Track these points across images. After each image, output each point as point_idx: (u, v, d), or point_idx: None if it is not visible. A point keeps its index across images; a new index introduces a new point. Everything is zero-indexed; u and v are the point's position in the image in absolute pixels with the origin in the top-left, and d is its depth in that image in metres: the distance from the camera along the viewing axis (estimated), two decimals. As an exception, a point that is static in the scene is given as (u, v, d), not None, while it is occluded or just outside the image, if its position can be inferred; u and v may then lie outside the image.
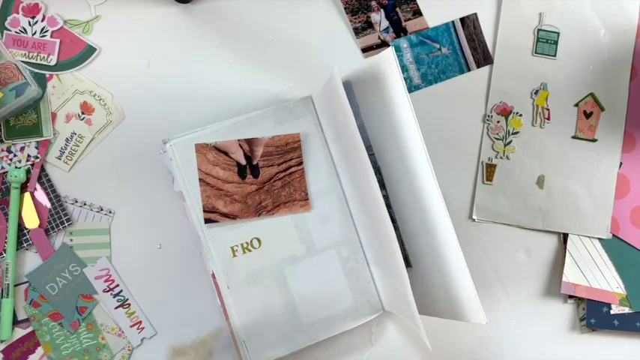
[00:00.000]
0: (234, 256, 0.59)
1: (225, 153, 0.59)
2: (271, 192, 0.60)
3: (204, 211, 0.58)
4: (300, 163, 0.61)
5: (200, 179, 0.59)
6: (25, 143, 0.64)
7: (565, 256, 0.67)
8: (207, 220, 0.59)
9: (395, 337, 0.66)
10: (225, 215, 0.59)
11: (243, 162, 0.60)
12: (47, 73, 0.64)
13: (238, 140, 0.59)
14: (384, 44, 0.68)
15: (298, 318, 0.60)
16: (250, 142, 0.60)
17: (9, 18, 0.64)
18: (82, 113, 0.64)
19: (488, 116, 0.68)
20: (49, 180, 0.64)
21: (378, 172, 0.60)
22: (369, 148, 0.60)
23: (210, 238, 0.59)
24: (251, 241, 0.60)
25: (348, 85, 0.60)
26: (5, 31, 0.64)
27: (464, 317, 0.55)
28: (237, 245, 0.59)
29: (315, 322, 0.60)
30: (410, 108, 0.53)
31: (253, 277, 0.59)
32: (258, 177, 0.60)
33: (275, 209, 0.60)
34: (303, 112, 0.61)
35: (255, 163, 0.60)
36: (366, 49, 0.67)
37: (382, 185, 0.60)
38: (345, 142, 0.58)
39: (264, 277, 0.60)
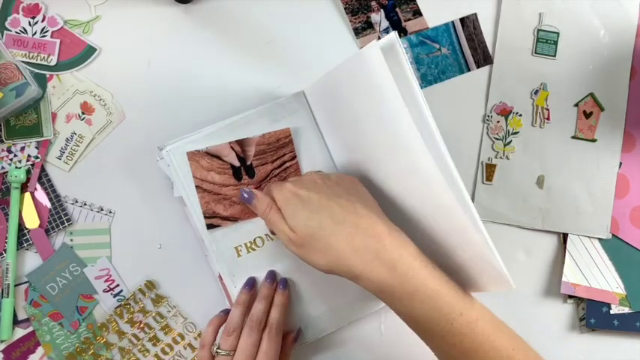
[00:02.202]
0: (239, 256, 0.59)
1: (218, 157, 0.59)
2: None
3: (205, 217, 0.58)
4: (294, 158, 0.61)
5: (197, 186, 0.59)
6: (25, 143, 0.64)
7: (565, 256, 0.67)
8: (210, 226, 0.59)
9: (405, 325, 0.65)
10: (227, 218, 0.59)
11: (237, 164, 0.60)
12: (47, 73, 0.64)
13: (229, 143, 0.59)
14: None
15: (307, 311, 0.60)
16: (242, 142, 0.60)
17: (9, 18, 0.64)
18: (82, 113, 0.64)
19: (488, 116, 0.68)
20: (49, 180, 0.64)
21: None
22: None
23: (214, 241, 0.59)
24: (254, 240, 0.60)
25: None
26: (5, 32, 0.64)
27: (496, 285, 0.53)
28: (240, 245, 0.59)
29: (323, 313, 0.60)
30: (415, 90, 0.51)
31: (260, 275, 0.59)
32: (254, 177, 0.60)
33: None
34: (296, 107, 0.61)
35: (249, 163, 0.60)
36: (366, 49, 0.67)
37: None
38: (353, 127, 0.57)
39: None
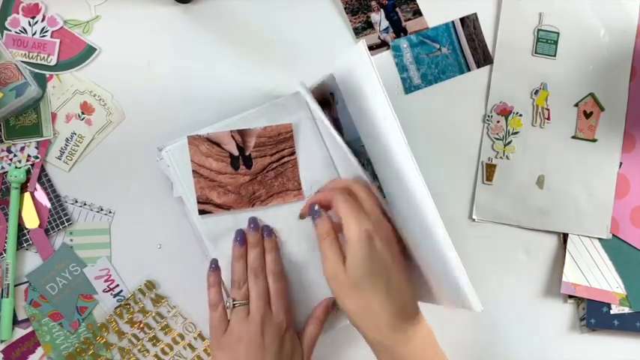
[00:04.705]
0: None
1: (218, 144, 0.59)
2: (264, 182, 0.60)
3: (198, 202, 0.58)
4: (293, 153, 0.61)
5: (193, 171, 0.58)
6: (25, 143, 0.64)
7: (565, 256, 0.67)
8: (202, 212, 0.58)
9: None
10: (219, 206, 0.59)
11: (236, 153, 0.60)
12: (47, 73, 0.64)
13: (231, 131, 0.60)
14: (384, 44, 0.68)
15: (308, 312, 0.60)
16: (243, 133, 0.60)
17: (9, 18, 0.64)
18: (82, 113, 0.64)
19: (488, 116, 0.68)
20: (49, 180, 0.64)
21: (369, 163, 0.60)
22: (358, 140, 0.60)
23: (214, 242, 0.59)
24: None
25: (332, 79, 0.60)
26: (5, 31, 0.64)
27: (462, 305, 0.54)
28: None
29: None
30: (386, 101, 0.51)
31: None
32: (251, 168, 0.60)
33: (268, 199, 0.60)
34: (295, 107, 0.61)
35: (248, 153, 0.60)
36: (366, 49, 0.67)
37: (374, 177, 0.60)
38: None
39: None
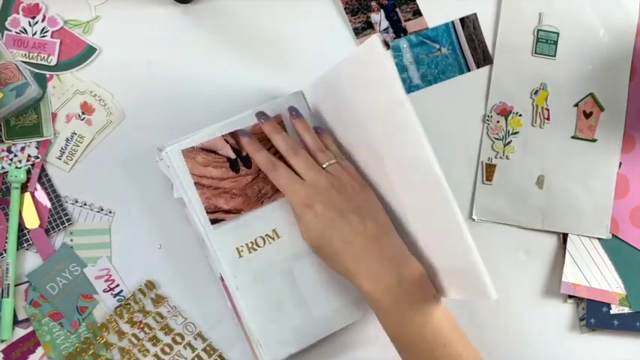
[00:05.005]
0: (240, 256, 0.59)
1: (213, 151, 0.59)
2: (268, 178, 0.60)
3: (208, 212, 0.58)
4: None
5: (196, 183, 0.58)
6: (25, 143, 0.64)
7: (565, 256, 0.67)
8: (214, 221, 0.58)
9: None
10: (229, 212, 0.59)
11: (233, 156, 0.60)
12: (47, 74, 0.64)
13: (223, 136, 0.59)
14: (383, 44, 0.68)
15: (309, 312, 0.60)
16: (235, 134, 0.60)
17: (9, 18, 0.64)
18: (83, 113, 0.64)
19: (488, 116, 0.68)
20: (49, 180, 0.64)
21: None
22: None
23: (215, 242, 0.59)
24: (255, 240, 0.60)
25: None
26: (5, 32, 0.64)
27: (475, 294, 0.52)
28: (242, 246, 0.59)
29: (325, 314, 0.60)
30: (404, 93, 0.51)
31: (261, 275, 0.59)
32: (251, 167, 0.60)
33: (276, 194, 0.60)
34: (295, 106, 0.61)
35: (245, 154, 0.60)
36: (365, 49, 0.67)
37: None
38: (352, 125, 0.58)
39: (271, 274, 0.59)
